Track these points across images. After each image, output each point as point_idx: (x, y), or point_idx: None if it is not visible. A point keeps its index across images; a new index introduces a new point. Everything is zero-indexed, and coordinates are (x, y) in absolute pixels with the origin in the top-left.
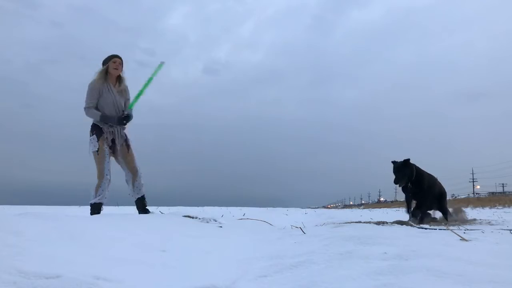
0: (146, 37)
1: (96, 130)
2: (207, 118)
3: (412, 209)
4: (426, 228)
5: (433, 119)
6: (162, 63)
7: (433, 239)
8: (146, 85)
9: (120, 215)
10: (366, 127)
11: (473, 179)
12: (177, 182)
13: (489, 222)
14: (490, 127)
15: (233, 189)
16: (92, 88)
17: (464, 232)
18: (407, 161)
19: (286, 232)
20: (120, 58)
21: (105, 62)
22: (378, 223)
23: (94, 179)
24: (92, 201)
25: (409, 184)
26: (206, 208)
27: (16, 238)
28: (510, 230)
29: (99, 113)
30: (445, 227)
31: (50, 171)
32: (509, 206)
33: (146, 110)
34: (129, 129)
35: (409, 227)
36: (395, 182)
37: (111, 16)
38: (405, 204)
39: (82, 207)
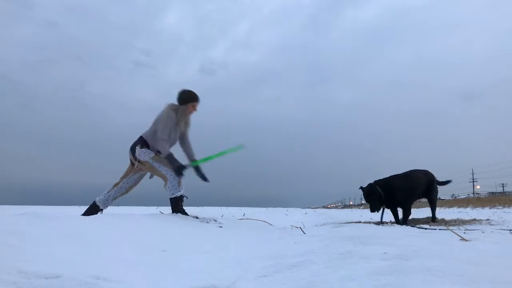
0: (142, 37)
1: (145, 144)
2: (205, 118)
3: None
4: (426, 228)
5: (432, 118)
6: (241, 146)
7: (433, 239)
8: (217, 155)
9: (120, 215)
10: (365, 126)
11: (473, 179)
12: None
13: (489, 222)
14: (490, 127)
15: (233, 189)
16: (169, 118)
17: (464, 232)
18: (371, 188)
19: (286, 232)
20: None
21: (186, 100)
22: (378, 223)
23: (110, 180)
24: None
25: (383, 207)
26: (206, 208)
27: (16, 238)
28: (510, 230)
29: (170, 153)
30: (445, 227)
31: (50, 171)
32: (509, 206)
33: (144, 110)
34: (129, 130)
35: (409, 227)
36: (372, 211)
37: (107, 15)
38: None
39: (82, 207)
